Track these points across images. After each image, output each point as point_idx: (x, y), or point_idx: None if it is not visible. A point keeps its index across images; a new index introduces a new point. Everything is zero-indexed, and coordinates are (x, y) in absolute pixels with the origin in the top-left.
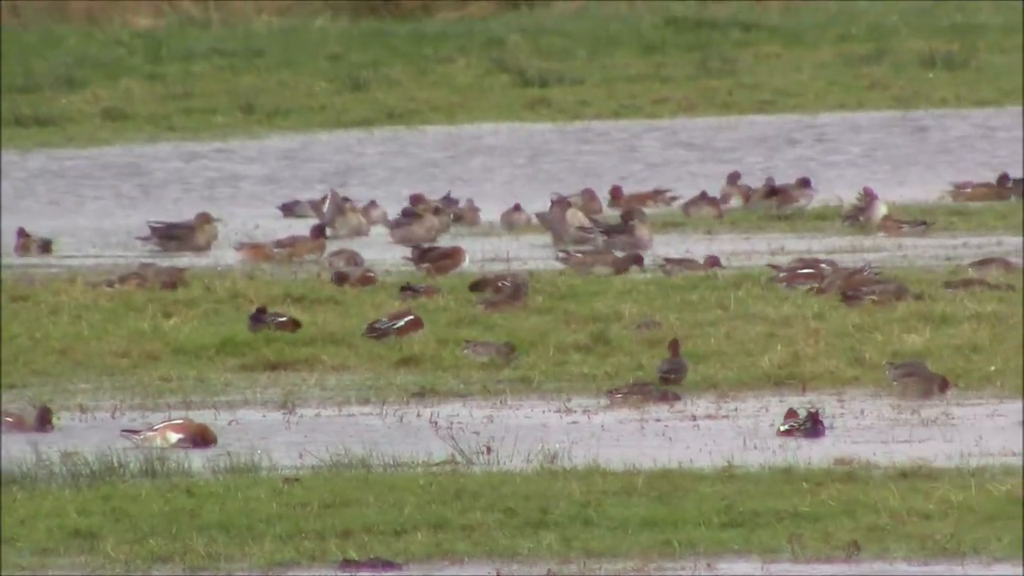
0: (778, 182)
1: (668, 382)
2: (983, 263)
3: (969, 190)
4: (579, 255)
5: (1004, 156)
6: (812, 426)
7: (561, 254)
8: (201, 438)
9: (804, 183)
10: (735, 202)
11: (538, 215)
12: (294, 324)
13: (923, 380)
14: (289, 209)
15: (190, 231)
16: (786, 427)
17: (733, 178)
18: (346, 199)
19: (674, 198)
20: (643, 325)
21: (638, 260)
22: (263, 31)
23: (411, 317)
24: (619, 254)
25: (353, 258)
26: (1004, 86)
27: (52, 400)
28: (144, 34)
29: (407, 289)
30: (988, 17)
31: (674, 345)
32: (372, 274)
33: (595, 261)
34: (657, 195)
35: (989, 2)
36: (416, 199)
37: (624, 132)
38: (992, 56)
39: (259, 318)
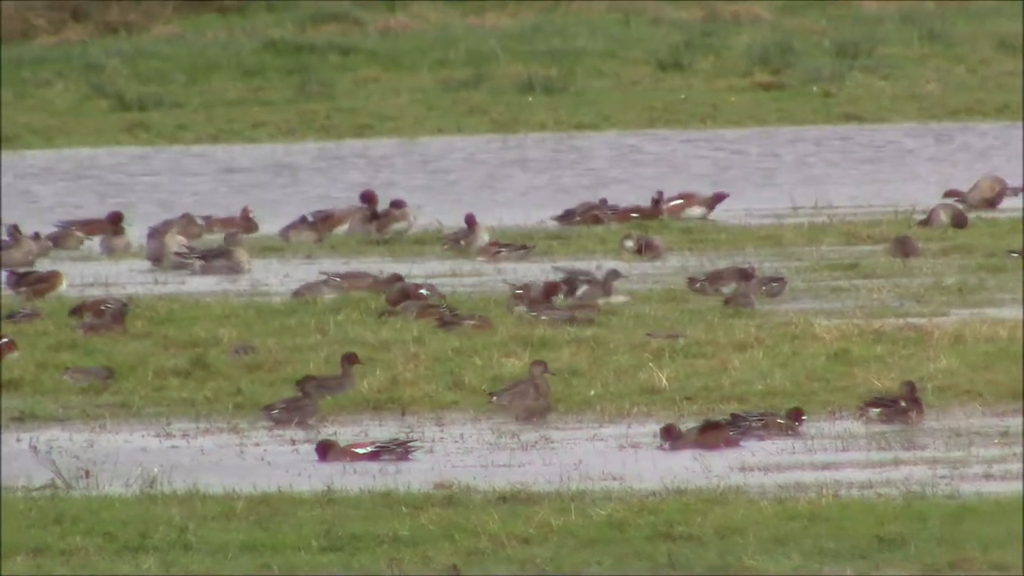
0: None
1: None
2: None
3: (578, 217)
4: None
5: (599, 179)
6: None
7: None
8: None
9: (397, 204)
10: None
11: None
12: None
13: (528, 402)
14: None
15: None
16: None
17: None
18: None
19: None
20: (240, 350)
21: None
22: None
23: (5, 340)
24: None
25: None
26: (602, 110)
27: None
28: None
29: (12, 317)
30: (586, 43)
31: (347, 361)
32: None
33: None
34: (245, 220)
35: (587, 28)
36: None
37: (224, 155)
38: (590, 81)
39: None
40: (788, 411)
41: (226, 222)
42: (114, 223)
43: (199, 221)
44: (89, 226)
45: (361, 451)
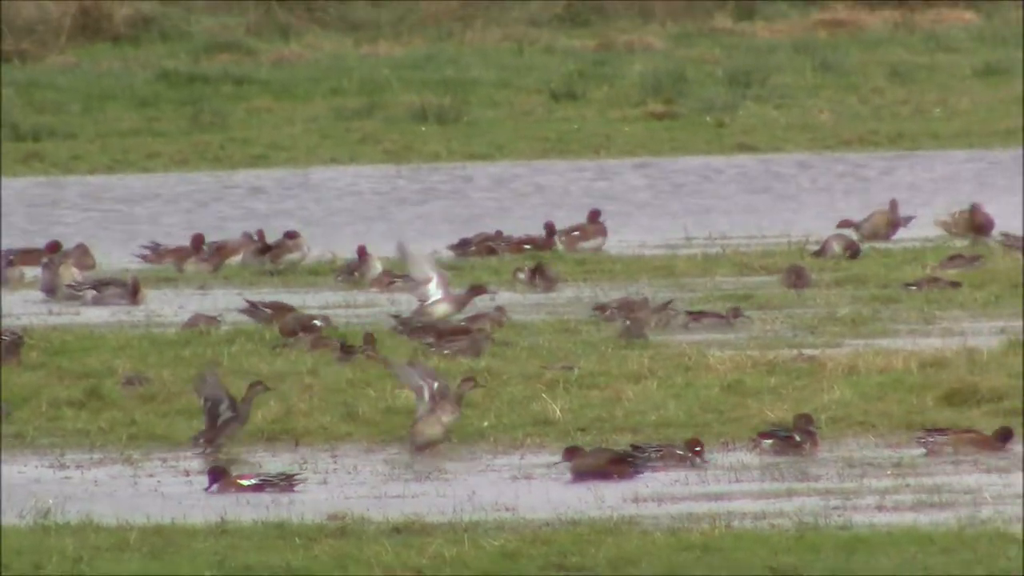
0: (273, 236)
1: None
2: (475, 318)
3: (473, 248)
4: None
5: (493, 209)
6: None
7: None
8: None
9: (291, 235)
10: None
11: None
12: None
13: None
14: None
15: None
16: None
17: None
18: None
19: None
20: (135, 380)
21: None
22: None
23: None
24: None
25: None
26: (496, 140)
27: None
28: None
29: None
30: (480, 72)
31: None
32: None
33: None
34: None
35: (480, 57)
36: None
37: (118, 186)
38: (483, 110)
39: None
40: (686, 442)
41: (177, 252)
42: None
43: (90, 255)
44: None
45: (246, 483)
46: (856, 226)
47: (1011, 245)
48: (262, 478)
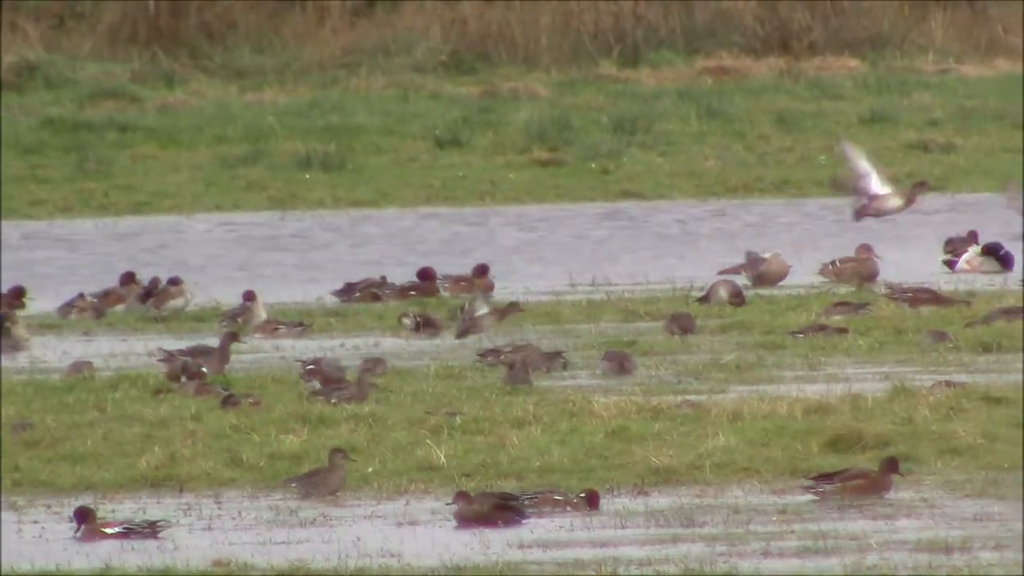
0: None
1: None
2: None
3: (358, 294)
4: None
5: (377, 256)
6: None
7: None
8: None
9: (174, 282)
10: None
11: None
12: None
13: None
14: None
15: None
16: None
17: (125, 279)
18: None
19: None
20: (18, 427)
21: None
22: None
23: None
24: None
25: None
26: (380, 187)
27: None
28: None
29: None
30: (364, 119)
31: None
32: None
33: None
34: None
35: (365, 104)
36: None
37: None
38: (368, 157)
39: None
40: (584, 492)
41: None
42: None
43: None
44: None
45: (110, 531)
46: (742, 271)
47: (896, 298)
48: (125, 526)
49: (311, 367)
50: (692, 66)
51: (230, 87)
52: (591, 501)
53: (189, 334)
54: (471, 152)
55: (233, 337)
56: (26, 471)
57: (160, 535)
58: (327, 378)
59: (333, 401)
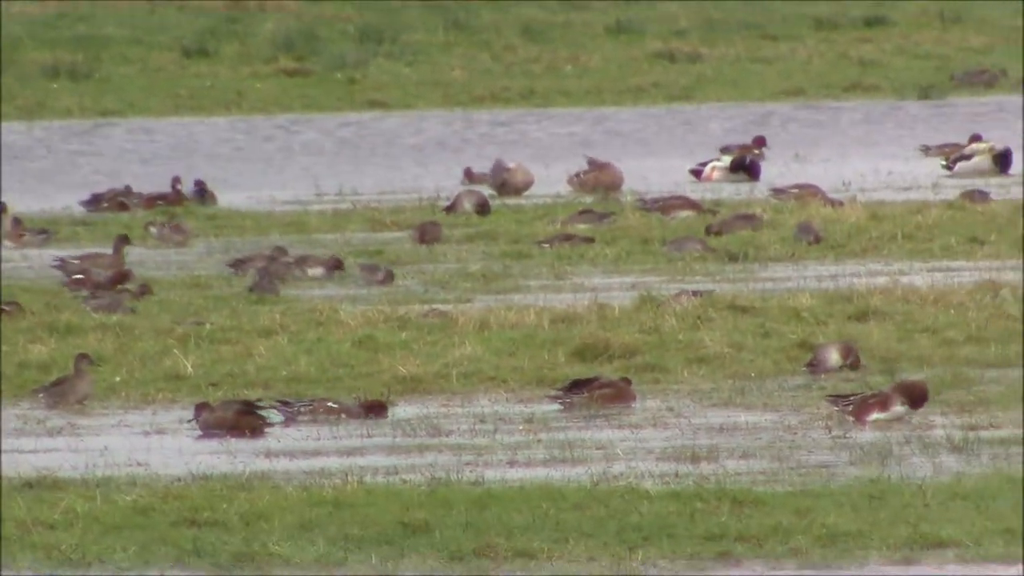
0: None
1: None
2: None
3: (105, 204)
4: None
5: (123, 165)
6: None
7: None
8: None
9: None
10: None
11: None
12: None
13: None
14: None
15: None
16: None
17: None
18: None
19: None
20: None
21: None
22: None
23: None
24: None
25: None
26: (127, 97)
27: None
28: None
29: None
30: (113, 29)
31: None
32: None
33: None
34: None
35: (112, 15)
36: None
37: None
38: (116, 67)
39: None
40: (368, 402)
41: None
42: None
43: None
44: None
45: None
46: (485, 180)
47: (648, 208)
48: None
49: (79, 276)
50: None
51: None
52: (375, 410)
53: None
54: (218, 62)
55: None
56: None
57: None
58: (98, 286)
59: (88, 308)
